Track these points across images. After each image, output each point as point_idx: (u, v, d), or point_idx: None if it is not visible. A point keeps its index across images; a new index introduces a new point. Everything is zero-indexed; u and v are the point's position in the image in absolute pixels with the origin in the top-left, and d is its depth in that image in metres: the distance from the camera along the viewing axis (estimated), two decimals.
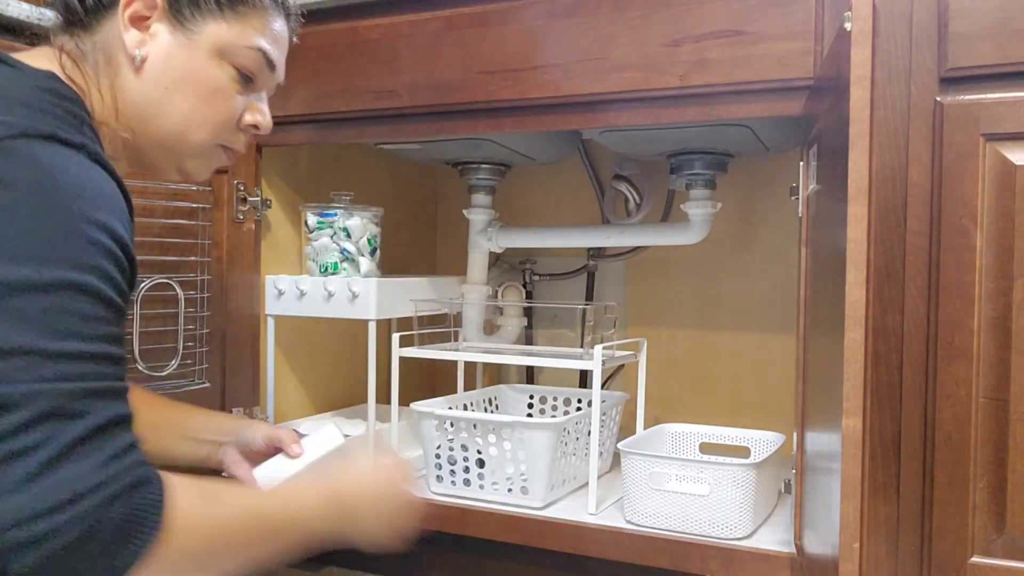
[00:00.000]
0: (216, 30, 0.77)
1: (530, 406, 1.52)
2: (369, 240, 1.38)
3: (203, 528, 0.64)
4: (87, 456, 0.57)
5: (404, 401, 1.34)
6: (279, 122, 1.38)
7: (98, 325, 0.61)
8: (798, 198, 1.09)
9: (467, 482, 1.24)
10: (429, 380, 1.86)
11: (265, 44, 0.80)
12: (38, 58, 0.73)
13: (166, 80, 0.76)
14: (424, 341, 1.38)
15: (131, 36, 0.75)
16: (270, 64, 0.81)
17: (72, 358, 0.59)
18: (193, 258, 1.27)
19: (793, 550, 1.04)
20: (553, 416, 1.48)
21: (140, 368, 1.20)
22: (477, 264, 1.53)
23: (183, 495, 0.62)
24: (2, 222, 0.58)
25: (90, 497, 0.56)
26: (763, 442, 1.28)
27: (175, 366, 1.24)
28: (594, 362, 1.18)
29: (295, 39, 0.87)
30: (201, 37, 0.76)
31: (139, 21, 0.75)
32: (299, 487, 0.81)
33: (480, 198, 1.53)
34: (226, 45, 0.78)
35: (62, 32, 0.77)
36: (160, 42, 0.76)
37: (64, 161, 0.62)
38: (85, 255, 0.61)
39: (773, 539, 1.09)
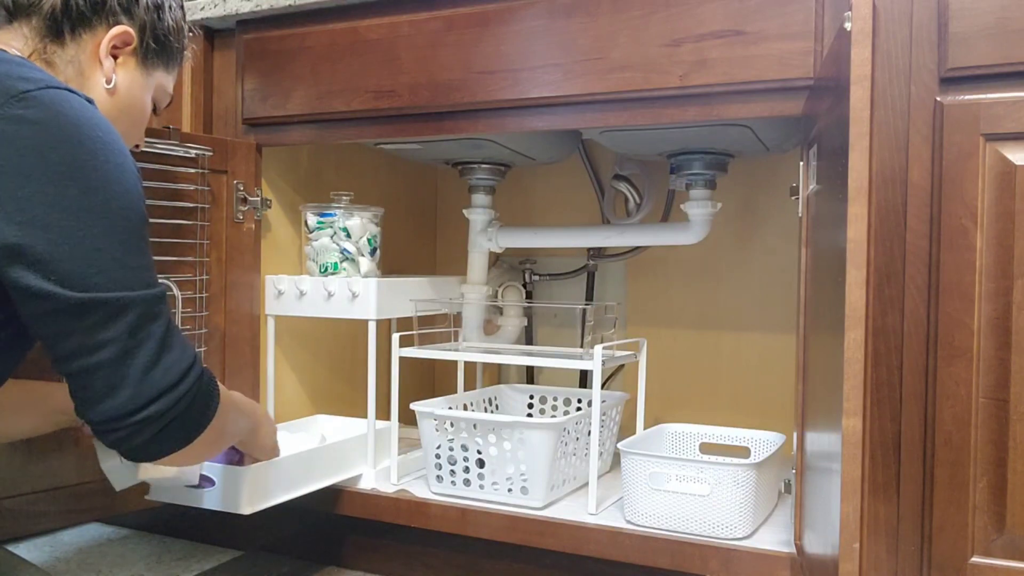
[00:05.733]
0: (160, 77, 0.97)
1: (530, 406, 1.52)
2: (369, 240, 1.38)
3: (228, 401, 0.87)
4: (174, 346, 0.77)
5: (404, 401, 1.34)
6: (279, 122, 1.39)
7: (147, 240, 0.79)
8: (798, 198, 1.09)
9: (467, 482, 1.24)
10: (429, 380, 1.86)
11: (172, 90, 1.01)
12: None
13: (121, 104, 0.91)
14: (424, 341, 1.38)
15: (109, 63, 0.89)
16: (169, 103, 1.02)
17: (147, 268, 0.77)
18: (191, 258, 1.27)
19: (793, 550, 1.04)
20: (553, 416, 1.48)
21: None
22: (477, 264, 1.53)
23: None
24: (56, 161, 0.72)
25: (189, 375, 0.78)
26: (763, 442, 1.28)
27: None
28: (594, 362, 1.18)
29: None
30: (151, 79, 0.95)
31: (114, 51, 0.90)
32: (241, 398, 1.01)
33: (480, 198, 1.53)
34: (159, 88, 0.97)
35: (37, 38, 0.86)
36: (126, 74, 0.92)
37: (86, 106, 0.77)
38: (133, 183, 0.77)
39: (773, 539, 1.09)
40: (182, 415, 0.78)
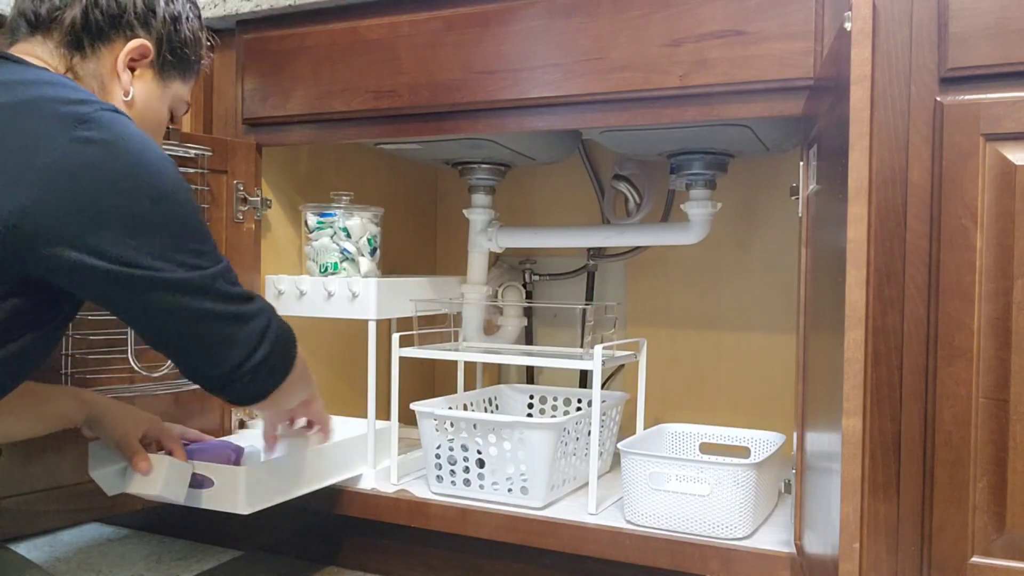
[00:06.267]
0: (177, 88, 0.98)
1: (530, 406, 1.52)
2: (369, 240, 1.38)
3: (303, 363, 0.98)
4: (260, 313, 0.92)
5: (404, 401, 1.34)
6: (279, 122, 1.39)
7: (206, 224, 0.89)
8: (798, 198, 1.09)
9: (467, 482, 1.24)
10: (429, 380, 1.86)
11: (189, 98, 1.02)
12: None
13: (139, 116, 0.92)
14: (424, 341, 1.38)
15: (127, 76, 0.91)
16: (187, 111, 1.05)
17: (214, 247, 0.88)
18: None
19: (793, 550, 1.04)
20: (553, 416, 1.48)
21: (135, 368, 1.19)
22: (477, 264, 1.53)
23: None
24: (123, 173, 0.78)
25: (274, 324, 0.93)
26: (763, 442, 1.28)
27: (171, 366, 1.23)
28: (594, 362, 1.18)
29: None
30: (168, 90, 0.97)
31: (131, 63, 0.92)
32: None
33: (480, 198, 1.53)
34: (176, 98, 0.99)
35: (64, 51, 0.89)
36: (143, 86, 0.93)
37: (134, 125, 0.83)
38: (186, 187, 0.86)
39: (773, 539, 1.09)
40: (275, 344, 0.91)
